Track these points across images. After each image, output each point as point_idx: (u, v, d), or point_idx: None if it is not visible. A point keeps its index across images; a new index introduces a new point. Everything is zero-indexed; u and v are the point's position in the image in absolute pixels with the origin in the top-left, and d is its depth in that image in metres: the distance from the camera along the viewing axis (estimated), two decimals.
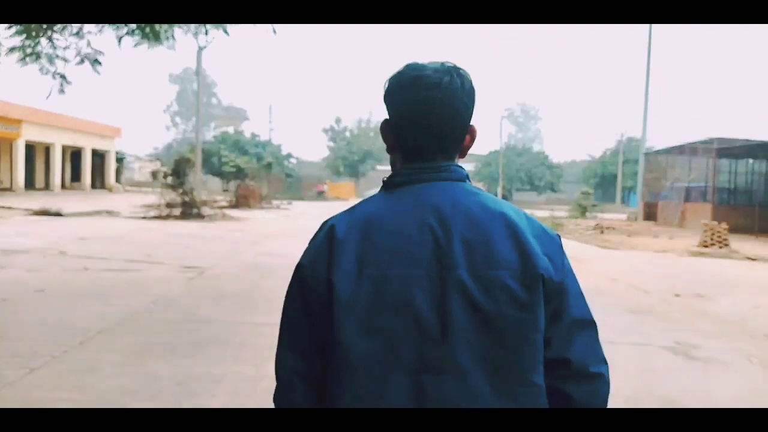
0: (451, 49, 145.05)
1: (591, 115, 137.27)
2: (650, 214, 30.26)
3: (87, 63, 9.48)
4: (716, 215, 21.94)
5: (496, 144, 61.08)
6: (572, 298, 1.20)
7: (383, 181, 1.25)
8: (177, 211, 21.49)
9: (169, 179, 22.13)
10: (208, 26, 9.13)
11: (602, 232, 21.54)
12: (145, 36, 9.08)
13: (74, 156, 42.26)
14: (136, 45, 9.28)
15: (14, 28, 8.70)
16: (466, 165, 1.24)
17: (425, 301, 1.12)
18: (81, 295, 7.46)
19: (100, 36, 9.38)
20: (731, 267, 13.34)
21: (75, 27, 9.22)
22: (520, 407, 1.14)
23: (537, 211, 36.22)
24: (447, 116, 1.20)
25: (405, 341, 1.12)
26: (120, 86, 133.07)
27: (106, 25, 8.82)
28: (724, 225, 17.15)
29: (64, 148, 39.95)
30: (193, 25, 9.12)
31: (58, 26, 9.13)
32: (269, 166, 44.79)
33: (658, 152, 32.94)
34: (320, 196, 49.30)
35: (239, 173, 41.17)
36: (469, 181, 1.25)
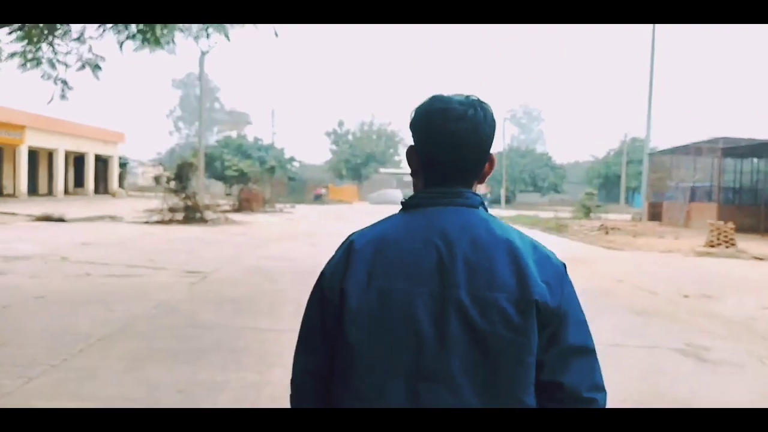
0: (453, 51, 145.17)
1: (594, 116, 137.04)
2: (655, 215, 30.12)
3: (88, 68, 9.46)
4: (722, 215, 21.81)
5: (499, 146, 60.89)
6: (571, 324, 1.24)
7: (401, 203, 1.35)
8: (180, 216, 21.43)
9: (172, 184, 22.08)
10: (210, 30, 9.08)
11: (607, 233, 21.41)
12: (145, 40, 9.03)
13: (77, 161, 42.31)
14: (136, 49, 9.24)
15: (15, 34, 8.66)
16: None
17: (426, 315, 1.20)
18: (82, 301, 7.40)
19: (102, 41, 9.37)
20: (738, 267, 13.21)
21: (76, 32, 9.18)
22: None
23: (540, 212, 36.13)
24: (471, 147, 1.29)
25: (405, 350, 1.20)
26: (123, 92, 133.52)
27: (108, 30, 8.78)
28: (731, 224, 17.02)
29: (67, 154, 39.98)
30: (194, 29, 9.08)
31: (59, 31, 9.09)
32: (272, 169, 44.79)
33: (662, 152, 32.79)
34: (318, 199, 48.94)
35: (242, 177, 41.14)
36: (484, 207, 1.32)
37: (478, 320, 1.19)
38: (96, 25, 8.67)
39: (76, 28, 9.05)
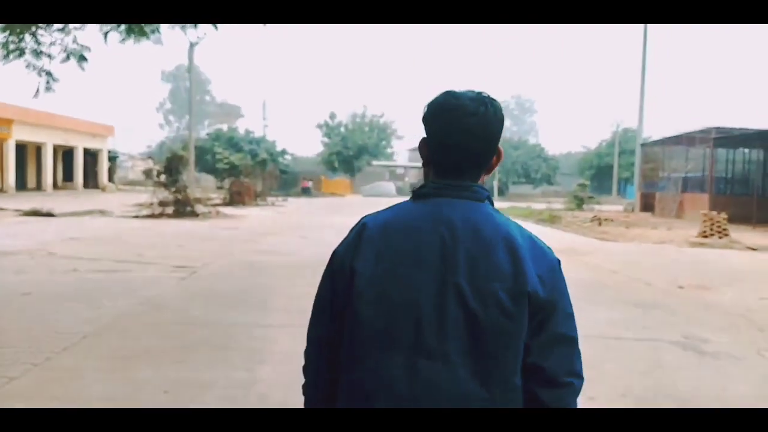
0: (445, 43, 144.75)
1: (586, 107, 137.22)
2: (647, 205, 30.10)
3: (73, 60, 9.24)
4: (714, 205, 21.78)
5: None
6: (559, 316, 1.34)
7: (412, 191, 1.44)
8: (170, 210, 21.19)
9: (162, 177, 21.82)
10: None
11: (600, 224, 21.34)
12: (130, 31, 8.82)
13: (66, 155, 41.84)
14: (122, 41, 9.03)
15: None
16: None
17: (427, 297, 1.30)
18: (68, 297, 7.22)
19: (86, 32, 9.15)
20: (733, 257, 13.17)
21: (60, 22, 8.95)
22: (496, 400, 1.29)
23: (533, 204, 36.06)
24: (480, 141, 1.38)
25: (406, 328, 1.30)
26: (113, 85, 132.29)
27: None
28: (724, 215, 16.98)
29: (56, 148, 39.52)
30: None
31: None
32: (263, 162, 44.47)
33: (654, 143, 32.75)
34: (306, 192, 48.31)
35: (233, 170, 40.75)
36: (490, 201, 1.41)
37: (475, 306, 1.28)
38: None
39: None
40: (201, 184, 39.95)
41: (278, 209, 28.94)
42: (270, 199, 34.40)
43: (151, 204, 21.33)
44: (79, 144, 40.88)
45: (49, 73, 9.40)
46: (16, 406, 3.85)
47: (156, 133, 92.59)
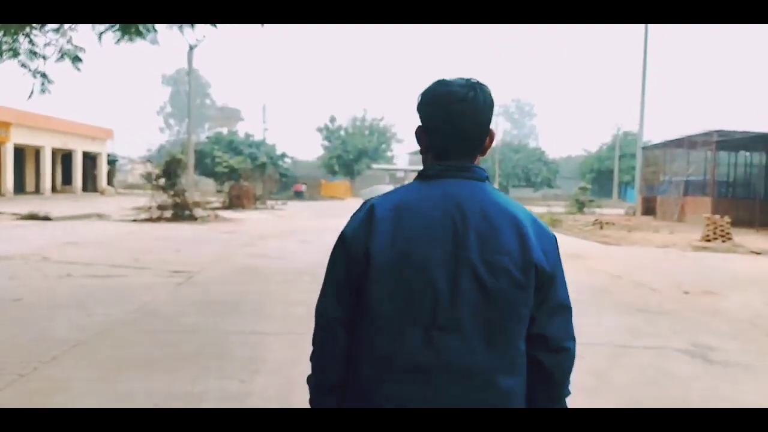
0: (445, 46, 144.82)
1: (586, 110, 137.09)
2: (649, 209, 29.94)
3: (67, 60, 9.09)
4: (716, 209, 21.62)
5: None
6: (559, 286, 1.48)
7: (418, 173, 1.52)
8: (168, 213, 21.00)
9: (161, 181, 21.64)
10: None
11: (602, 228, 21.18)
12: (125, 31, 8.67)
13: (65, 159, 41.67)
14: (117, 41, 8.88)
15: None
16: None
17: (441, 273, 1.39)
18: (60, 304, 7.05)
19: (82, 34, 9.02)
20: (737, 262, 13.00)
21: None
22: (504, 365, 1.41)
23: (534, 207, 35.81)
24: (471, 124, 1.47)
25: (422, 303, 1.39)
26: (114, 88, 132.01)
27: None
28: (727, 218, 16.81)
29: (55, 151, 39.36)
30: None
31: None
32: (263, 166, 44.21)
33: (655, 146, 32.60)
34: (299, 196, 47.94)
35: (233, 174, 40.56)
36: (488, 180, 1.51)
37: (486, 278, 1.38)
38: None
39: None
40: (200, 188, 39.75)
41: (278, 213, 28.77)
42: (269, 202, 34.19)
43: (150, 208, 21.16)
44: (78, 147, 40.72)
45: (44, 75, 9.25)
46: None
47: (156, 137, 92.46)
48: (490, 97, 1.49)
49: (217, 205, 28.25)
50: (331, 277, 1.50)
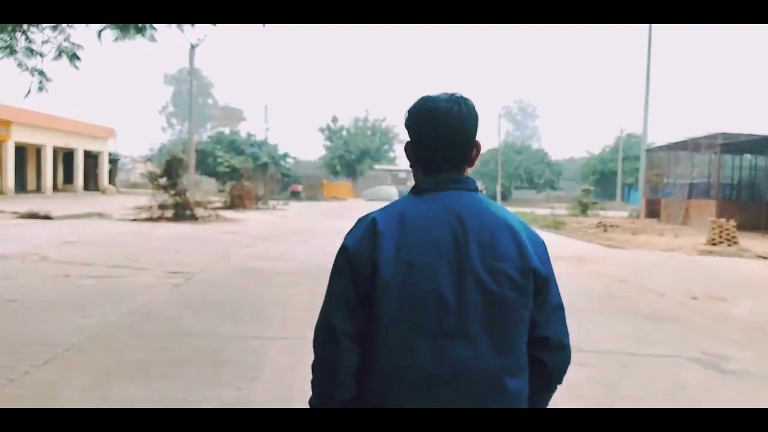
0: (448, 47, 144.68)
1: (589, 112, 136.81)
2: (652, 212, 29.71)
3: (65, 58, 8.95)
4: (721, 212, 21.44)
5: (494, 142, 60.40)
6: (553, 288, 1.53)
7: (413, 188, 1.57)
8: (169, 213, 20.86)
9: (162, 180, 21.50)
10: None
11: (605, 230, 20.99)
12: (124, 29, 8.52)
13: (66, 157, 41.55)
14: (116, 39, 8.74)
15: None
16: None
17: (446, 283, 1.42)
18: (56, 305, 6.89)
19: (81, 31, 8.87)
20: (744, 266, 12.81)
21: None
22: (511, 367, 1.45)
23: (537, 209, 35.63)
24: (457, 137, 1.53)
25: (430, 312, 1.42)
26: (117, 88, 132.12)
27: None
28: (733, 222, 16.63)
29: (56, 150, 39.24)
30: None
31: None
32: (265, 166, 44.10)
33: (659, 148, 32.41)
34: (294, 196, 47.76)
35: (234, 174, 40.39)
36: (478, 191, 1.57)
37: (490, 284, 1.43)
38: None
39: None
40: (202, 188, 39.64)
41: (279, 213, 28.62)
42: (271, 202, 34.05)
43: (150, 207, 21.02)
44: (80, 146, 40.60)
45: (42, 73, 9.12)
46: None
47: (158, 136, 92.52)
48: (474, 110, 1.55)
49: (219, 204, 28.09)
50: (336, 291, 1.49)
